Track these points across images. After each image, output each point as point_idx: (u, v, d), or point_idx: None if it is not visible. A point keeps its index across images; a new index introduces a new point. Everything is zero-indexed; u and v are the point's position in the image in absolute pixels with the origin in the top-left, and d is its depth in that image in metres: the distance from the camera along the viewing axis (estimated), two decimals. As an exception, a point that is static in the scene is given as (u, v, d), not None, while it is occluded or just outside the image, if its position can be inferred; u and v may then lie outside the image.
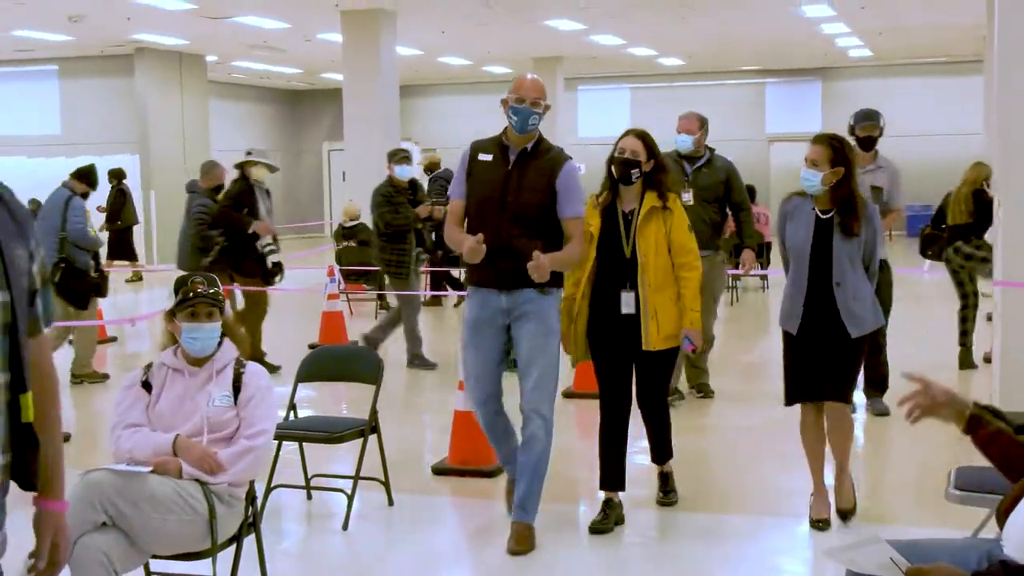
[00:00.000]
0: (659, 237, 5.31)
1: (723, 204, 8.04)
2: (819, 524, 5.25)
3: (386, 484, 6.06)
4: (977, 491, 4.17)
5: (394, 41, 17.58)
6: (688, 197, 7.43)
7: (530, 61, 24.61)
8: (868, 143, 7.39)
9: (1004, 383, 7.18)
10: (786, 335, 5.36)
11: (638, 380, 5.54)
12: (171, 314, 4.29)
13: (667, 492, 5.78)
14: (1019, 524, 2.96)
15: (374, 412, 5.90)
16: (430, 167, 15.10)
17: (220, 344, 4.30)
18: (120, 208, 18.27)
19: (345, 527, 5.72)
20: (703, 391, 8.51)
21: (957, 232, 9.52)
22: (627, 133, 5.46)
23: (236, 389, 4.20)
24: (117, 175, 18.42)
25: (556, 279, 5.12)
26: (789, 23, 19.50)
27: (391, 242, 10.01)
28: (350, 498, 5.81)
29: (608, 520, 5.41)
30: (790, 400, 5.40)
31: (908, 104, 25.55)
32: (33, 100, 24.39)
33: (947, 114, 26.66)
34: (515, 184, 5.06)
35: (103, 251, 11.70)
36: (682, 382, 8.41)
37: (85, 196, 9.91)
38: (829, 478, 5.43)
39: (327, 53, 21.53)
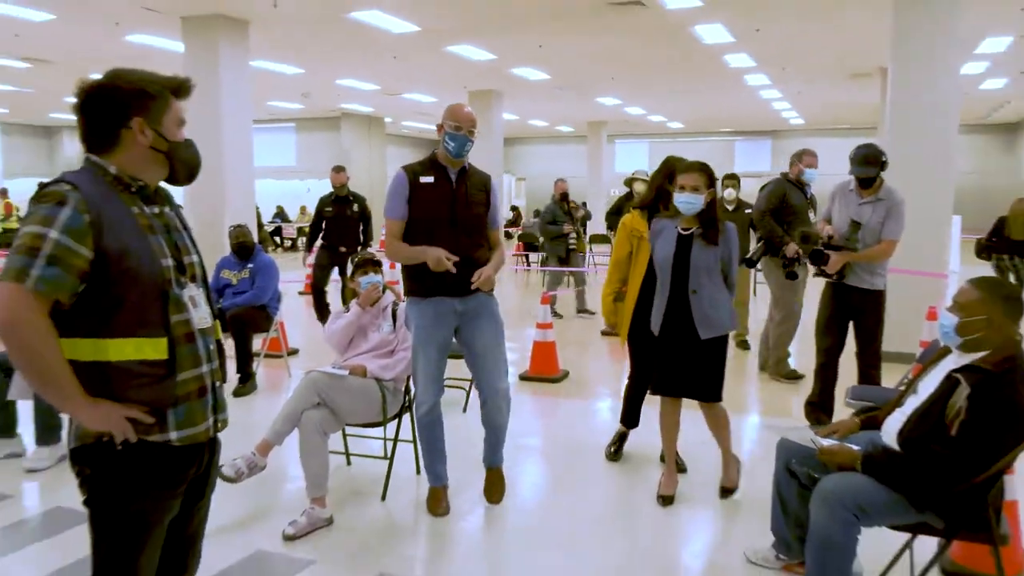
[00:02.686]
0: None
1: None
2: (662, 500, 4.05)
3: (490, 385, 6.10)
4: (863, 401, 4.10)
5: (501, 110, 17.57)
6: (815, 216, 6.10)
7: (585, 124, 24.42)
8: (866, 183, 4.88)
9: None
10: (651, 334, 4.08)
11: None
12: (352, 276, 4.50)
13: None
14: (891, 424, 2.92)
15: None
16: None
17: (384, 293, 4.40)
18: None
19: (464, 410, 5.77)
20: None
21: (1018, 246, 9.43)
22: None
23: (394, 319, 4.30)
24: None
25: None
26: (750, 101, 19.13)
27: None
28: (467, 393, 5.87)
29: (620, 452, 4.70)
30: (655, 391, 4.10)
31: (831, 157, 24.86)
32: (279, 145, 24.95)
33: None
34: (462, 201, 3.77)
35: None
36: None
37: None
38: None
39: (459, 117, 21.57)
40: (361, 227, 8.31)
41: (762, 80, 15.70)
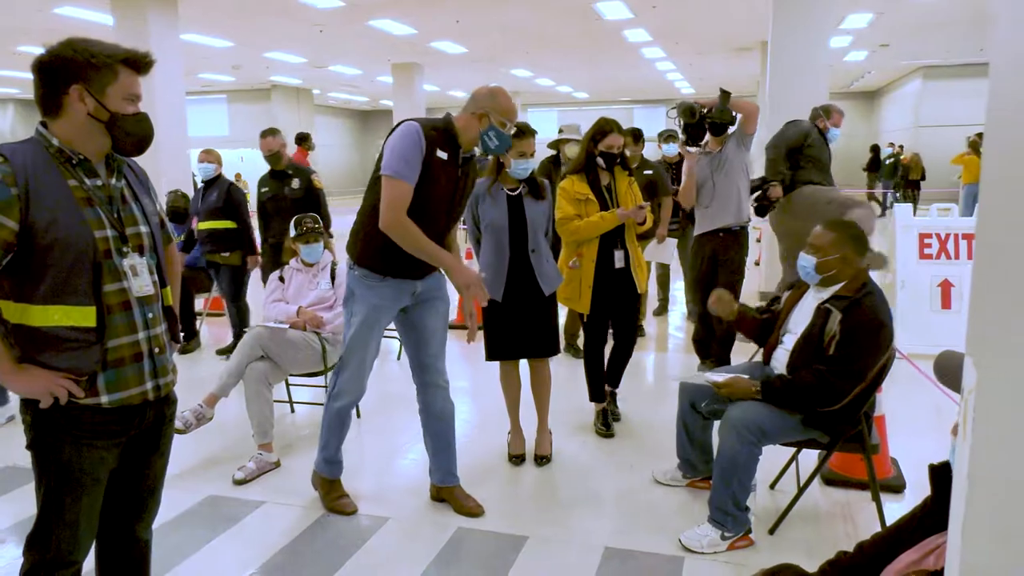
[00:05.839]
0: (632, 202, 3.91)
1: None
2: (515, 459, 3.74)
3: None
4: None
5: (422, 82, 17.21)
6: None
7: (500, 94, 24.19)
8: (718, 130, 4.64)
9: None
10: (489, 301, 3.41)
11: (622, 320, 4.03)
12: (294, 239, 4.26)
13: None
14: (779, 359, 3.02)
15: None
16: None
17: (323, 254, 4.25)
18: None
19: (399, 358, 5.72)
20: None
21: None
22: (611, 130, 3.86)
23: (332, 277, 4.17)
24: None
25: None
26: (647, 72, 19.26)
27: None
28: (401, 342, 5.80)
29: (610, 425, 4.11)
30: (491, 357, 3.68)
31: (715, 120, 25.36)
32: (212, 115, 23.98)
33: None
34: (461, 191, 2.99)
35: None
36: None
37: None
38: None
39: (384, 88, 21.13)
40: (312, 209, 5.59)
41: (657, 53, 15.81)
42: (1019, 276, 0.56)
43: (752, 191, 4.80)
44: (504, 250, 3.54)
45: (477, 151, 3.01)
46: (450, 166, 2.89)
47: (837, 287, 2.85)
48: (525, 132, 3.48)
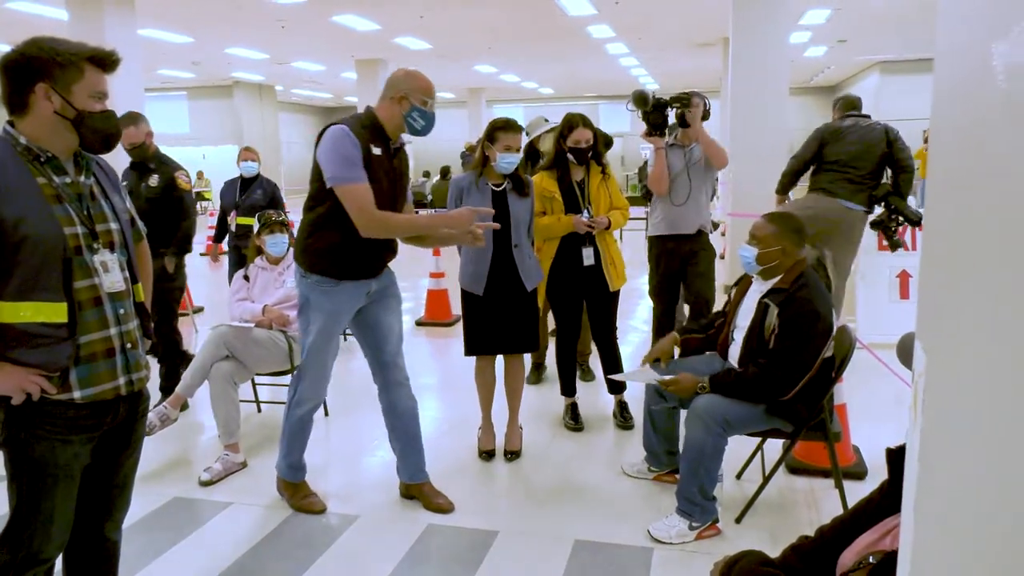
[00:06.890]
0: (605, 200, 3.92)
1: None
2: (485, 455, 3.74)
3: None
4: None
5: (386, 78, 17.11)
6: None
7: (466, 90, 24.05)
8: (681, 120, 4.38)
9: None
10: (469, 296, 3.60)
11: (596, 319, 4.02)
12: (258, 234, 4.19)
13: (625, 417, 4.12)
14: (733, 355, 3.07)
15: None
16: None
17: (288, 251, 4.20)
18: None
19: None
20: None
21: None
22: (577, 124, 3.84)
23: None
24: None
25: None
26: (611, 67, 19.37)
27: None
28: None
29: (579, 419, 4.12)
30: (470, 352, 3.66)
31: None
32: (172, 112, 23.58)
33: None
34: (399, 180, 3.01)
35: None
36: None
37: None
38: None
39: (347, 85, 20.92)
40: (172, 213, 4.37)
41: (621, 49, 15.91)
42: (964, 263, 0.58)
43: (911, 222, 4.85)
44: (488, 245, 3.47)
45: (404, 137, 3.02)
46: (385, 159, 2.92)
47: (777, 279, 2.93)
48: (512, 126, 3.48)
